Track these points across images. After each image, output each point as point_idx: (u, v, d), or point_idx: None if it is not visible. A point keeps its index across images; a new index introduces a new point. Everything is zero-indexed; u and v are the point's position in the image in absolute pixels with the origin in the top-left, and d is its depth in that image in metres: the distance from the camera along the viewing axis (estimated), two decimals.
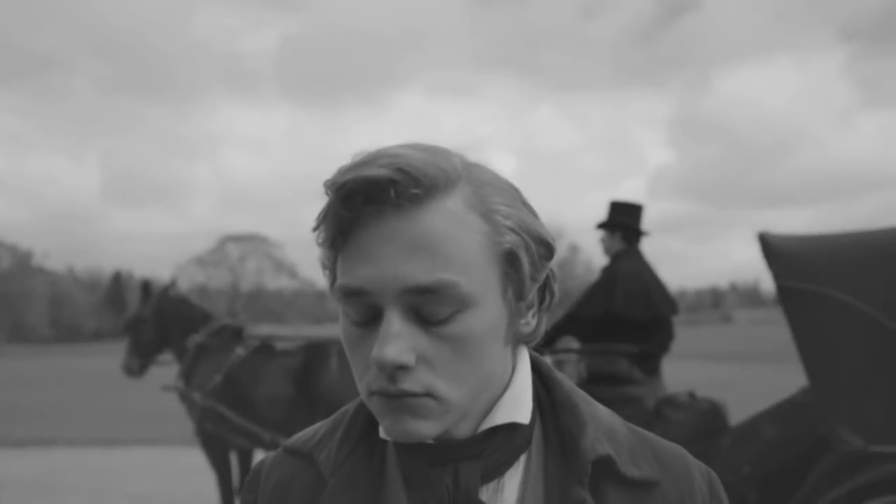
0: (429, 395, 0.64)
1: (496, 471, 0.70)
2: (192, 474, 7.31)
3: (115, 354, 6.17)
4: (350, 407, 0.79)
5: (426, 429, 0.65)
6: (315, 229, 0.67)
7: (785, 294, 2.91)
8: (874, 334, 2.73)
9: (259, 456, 4.85)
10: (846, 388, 2.78)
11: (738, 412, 3.62)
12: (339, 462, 0.74)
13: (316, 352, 4.42)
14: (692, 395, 3.79)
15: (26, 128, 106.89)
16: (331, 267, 0.68)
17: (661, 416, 3.61)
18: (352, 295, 0.64)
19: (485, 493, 0.69)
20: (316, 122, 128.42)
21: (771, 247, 2.99)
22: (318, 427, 0.80)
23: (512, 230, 0.66)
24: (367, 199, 0.62)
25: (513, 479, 0.71)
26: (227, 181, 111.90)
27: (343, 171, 0.63)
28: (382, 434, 0.72)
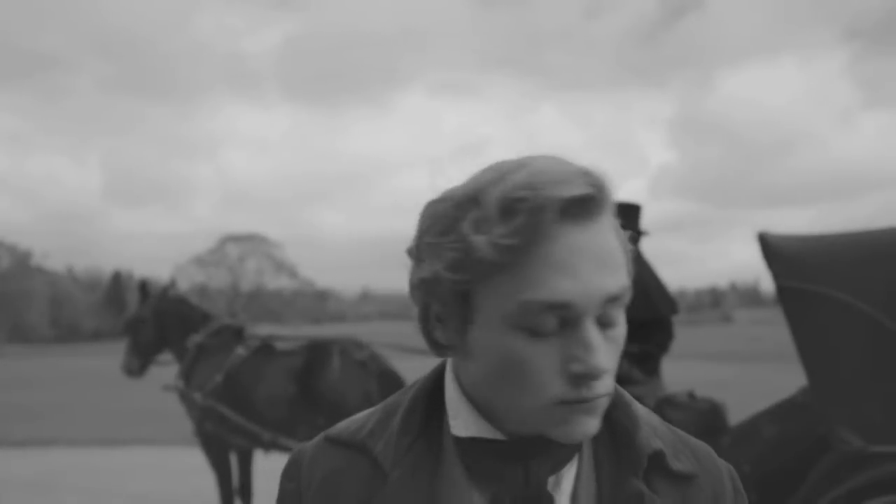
0: (609, 394, 0.69)
1: (557, 465, 0.73)
2: (191, 474, 7.31)
3: (114, 354, 6.18)
4: (402, 399, 0.80)
5: (596, 425, 0.69)
6: (501, 241, 0.64)
7: (785, 294, 2.91)
8: (874, 334, 2.73)
9: (259, 456, 4.85)
10: (846, 388, 2.78)
11: (738, 412, 3.63)
12: (401, 454, 0.75)
13: (317, 352, 4.41)
14: (692, 395, 3.79)
15: (27, 127, 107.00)
16: (484, 274, 0.66)
17: (660, 415, 3.60)
18: (553, 308, 0.64)
19: (547, 487, 0.73)
20: (317, 121, 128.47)
21: (771, 247, 2.99)
22: (363, 418, 0.81)
23: (623, 241, 0.71)
24: (568, 215, 0.64)
25: (569, 472, 0.74)
26: (228, 181, 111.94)
27: (536, 187, 0.64)
28: (455, 430, 0.74)
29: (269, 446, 4.40)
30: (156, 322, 5.00)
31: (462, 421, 0.74)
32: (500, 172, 0.67)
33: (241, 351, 4.57)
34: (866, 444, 2.68)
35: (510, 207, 0.64)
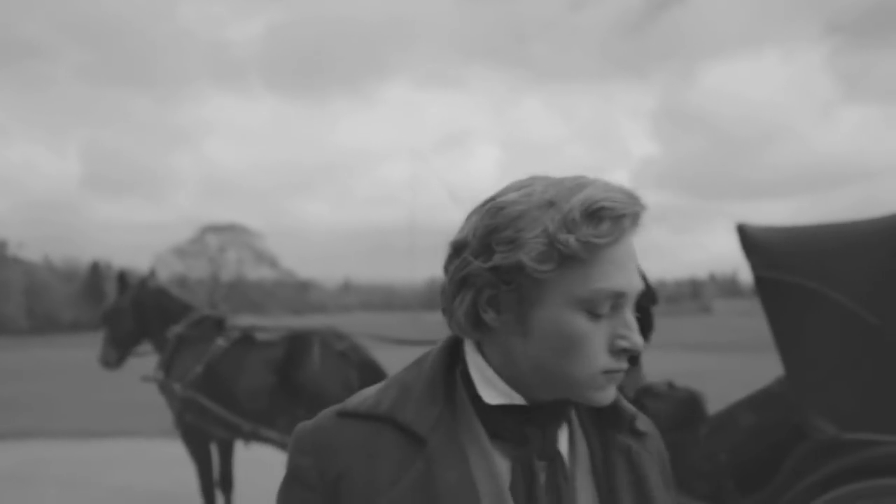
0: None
1: (561, 428, 0.90)
2: (171, 465, 7.27)
3: (92, 346, 6.11)
4: (415, 375, 0.90)
5: (615, 392, 0.89)
6: (572, 245, 0.80)
7: (762, 284, 2.95)
8: (849, 325, 2.77)
9: (239, 447, 4.84)
10: (821, 378, 2.82)
11: (717, 402, 3.67)
12: (433, 421, 0.85)
13: (298, 342, 4.40)
14: (671, 385, 3.82)
15: (5, 116, 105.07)
16: (561, 267, 0.82)
17: (640, 405, 3.64)
18: (612, 297, 0.83)
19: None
20: (300, 111, 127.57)
21: (749, 238, 3.02)
22: (374, 394, 0.90)
23: None
24: (626, 228, 0.82)
25: (562, 435, 0.90)
26: (209, 171, 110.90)
27: (615, 200, 0.81)
28: (487, 399, 0.87)
29: (250, 437, 4.39)
30: (135, 313, 4.96)
31: (492, 391, 0.87)
32: (570, 186, 0.83)
33: (221, 342, 4.54)
34: (840, 432, 2.73)
35: (595, 214, 0.80)
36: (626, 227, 0.81)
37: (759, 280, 2.95)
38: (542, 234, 0.80)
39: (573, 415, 0.92)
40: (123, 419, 10.82)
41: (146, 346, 5.10)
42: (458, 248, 0.86)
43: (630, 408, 0.94)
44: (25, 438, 9.47)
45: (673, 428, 3.57)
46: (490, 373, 0.87)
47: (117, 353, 5.03)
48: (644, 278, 3.74)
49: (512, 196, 0.83)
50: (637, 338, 0.84)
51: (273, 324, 5.15)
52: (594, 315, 0.82)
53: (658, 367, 5.56)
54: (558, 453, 0.87)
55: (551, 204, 0.81)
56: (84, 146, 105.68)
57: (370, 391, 0.91)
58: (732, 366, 16.91)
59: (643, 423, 0.96)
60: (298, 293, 62.78)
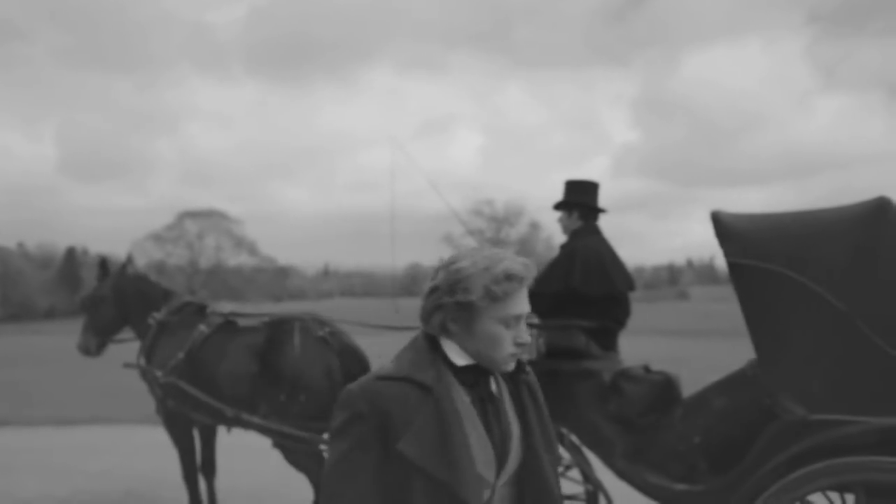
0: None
1: (489, 378, 1.63)
2: (150, 451, 7.28)
3: (68, 333, 6.06)
4: (414, 353, 1.58)
5: (514, 364, 1.61)
6: (497, 292, 1.52)
7: (735, 270, 3.02)
8: (818, 310, 2.85)
9: (221, 433, 4.86)
10: (791, 362, 2.90)
11: (692, 386, 3.74)
12: (436, 378, 1.53)
13: (279, 328, 4.41)
14: (647, 369, 3.90)
15: None
16: (491, 302, 1.54)
17: (617, 388, 3.71)
18: (516, 317, 1.54)
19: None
20: (281, 96, 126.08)
21: (723, 225, 3.09)
22: (395, 365, 1.56)
23: None
24: (524, 283, 1.55)
25: (492, 381, 1.62)
26: (189, 156, 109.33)
27: (517, 271, 1.53)
28: (457, 362, 1.58)
29: (233, 423, 4.40)
30: (116, 300, 4.94)
31: (459, 358, 1.57)
32: (490, 259, 1.54)
33: (203, 328, 4.55)
34: (808, 413, 2.82)
35: (510, 277, 1.52)
36: (524, 282, 1.54)
37: (732, 266, 3.02)
38: (482, 287, 1.51)
39: (496, 373, 1.62)
40: (99, 407, 10.75)
41: (123, 333, 5.10)
42: (433, 289, 1.56)
43: (523, 362, 1.66)
44: (2, 426, 9.40)
45: (649, 410, 3.65)
46: (458, 349, 1.58)
47: (98, 340, 5.02)
48: (621, 264, 3.78)
49: (464, 263, 1.54)
50: (527, 336, 1.57)
51: (252, 310, 5.15)
52: (507, 326, 1.54)
53: (635, 351, 5.65)
54: (491, 391, 1.61)
55: (486, 269, 1.52)
56: (61, 130, 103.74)
57: (392, 362, 1.58)
58: (708, 351, 17.15)
59: (528, 368, 1.69)
60: (278, 279, 62.38)
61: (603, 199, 4.07)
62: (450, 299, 1.52)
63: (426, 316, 1.57)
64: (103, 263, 5.13)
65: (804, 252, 2.92)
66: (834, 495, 3.07)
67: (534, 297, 3.88)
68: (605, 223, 4.11)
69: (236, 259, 57.55)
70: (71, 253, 55.98)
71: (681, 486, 3.34)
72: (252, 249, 57.37)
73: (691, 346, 19.63)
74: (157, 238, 53.73)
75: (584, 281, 3.80)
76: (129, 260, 5.27)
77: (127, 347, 5.12)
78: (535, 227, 53.59)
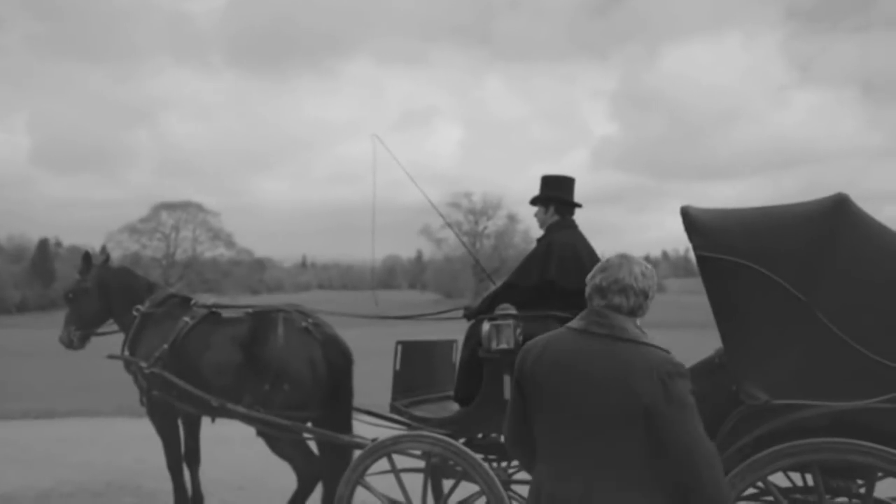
0: None
1: None
2: (130, 442, 7.32)
3: (40, 327, 6.08)
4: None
5: None
6: None
7: (703, 263, 3.15)
8: (780, 301, 3.00)
9: (205, 423, 4.92)
10: (755, 350, 3.05)
11: None
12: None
13: (262, 320, 4.49)
14: None
15: None
16: None
17: None
18: None
19: None
20: (261, 88, 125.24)
21: (692, 219, 3.22)
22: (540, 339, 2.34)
23: None
24: None
25: None
26: (166, 148, 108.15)
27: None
28: None
29: (217, 413, 4.47)
30: (100, 292, 4.97)
31: None
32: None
33: (187, 319, 4.61)
34: (770, 398, 2.98)
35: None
36: None
37: (701, 259, 3.15)
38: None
39: None
40: (79, 399, 10.73)
41: (106, 326, 5.12)
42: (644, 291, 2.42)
43: None
44: None
45: None
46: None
47: (80, 333, 5.04)
48: (596, 257, 3.91)
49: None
50: None
51: (230, 303, 5.21)
52: None
53: None
54: None
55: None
56: (34, 119, 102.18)
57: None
58: (683, 342, 17.39)
59: None
60: (254, 272, 62.00)
61: (581, 193, 4.18)
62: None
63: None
64: (87, 257, 5.15)
65: (768, 245, 3.07)
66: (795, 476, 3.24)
67: (511, 289, 4.05)
68: (582, 216, 4.21)
69: (213, 251, 57.14)
70: (44, 245, 55.14)
71: None
72: (229, 241, 57.01)
73: (666, 338, 19.79)
74: (133, 230, 53.13)
75: (560, 273, 3.90)
76: (104, 251, 5.30)
77: (104, 341, 5.15)
78: (512, 219, 53.88)
